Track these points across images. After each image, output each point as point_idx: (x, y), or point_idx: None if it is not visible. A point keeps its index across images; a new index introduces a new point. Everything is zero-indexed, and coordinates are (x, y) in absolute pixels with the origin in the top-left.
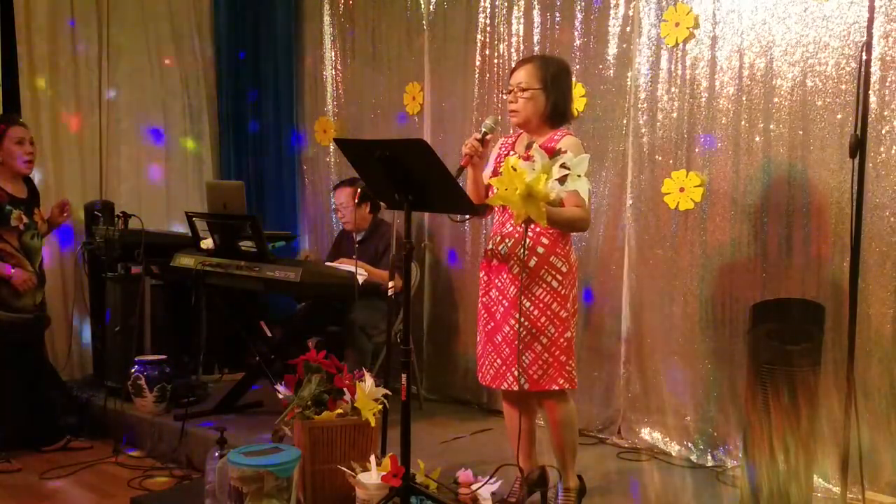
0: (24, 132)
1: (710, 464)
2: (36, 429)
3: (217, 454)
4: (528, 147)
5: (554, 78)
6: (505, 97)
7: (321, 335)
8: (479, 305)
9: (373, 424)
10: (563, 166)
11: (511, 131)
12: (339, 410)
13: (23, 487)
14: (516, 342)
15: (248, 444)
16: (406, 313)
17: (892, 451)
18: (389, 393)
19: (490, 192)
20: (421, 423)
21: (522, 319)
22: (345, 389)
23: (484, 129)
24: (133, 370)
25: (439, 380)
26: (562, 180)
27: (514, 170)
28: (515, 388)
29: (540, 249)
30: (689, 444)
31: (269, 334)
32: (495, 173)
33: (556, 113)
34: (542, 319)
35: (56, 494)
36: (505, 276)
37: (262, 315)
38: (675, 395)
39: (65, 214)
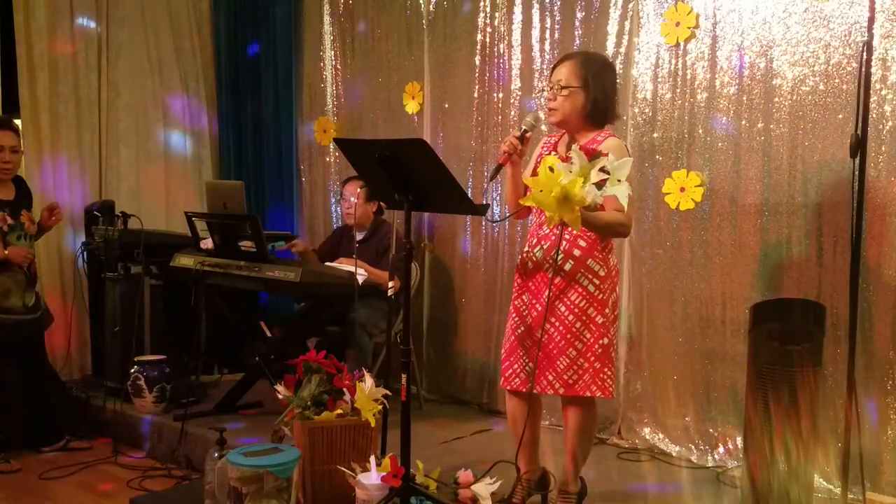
0: (5, 139)
1: (710, 464)
2: (36, 429)
3: (217, 454)
4: (570, 148)
5: (595, 76)
6: (545, 95)
7: (321, 335)
8: (511, 308)
9: (373, 425)
10: (602, 170)
11: (554, 130)
12: (339, 411)
13: (23, 487)
14: (550, 346)
15: (248, 444)
16: (406, 313)
17: (892, 452)
18: (389, 393)
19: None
20: (421, 424)
21: (557, 323)
22: (345, 390)
23: (524, 127)
24: (133, 370)
25: (439, 380)
26: (600, 184)
27: (552, 170)
28: (550, 392)
29: (576, 252)
30: (689, 444)
31: (269, 334)
32: (534, 174)
33: (597, 112)
34: (577, 324)
35: (56, 494)
36: (539, 280)
37: (261, 315)
38: (675, 395)
39: (54, 217)
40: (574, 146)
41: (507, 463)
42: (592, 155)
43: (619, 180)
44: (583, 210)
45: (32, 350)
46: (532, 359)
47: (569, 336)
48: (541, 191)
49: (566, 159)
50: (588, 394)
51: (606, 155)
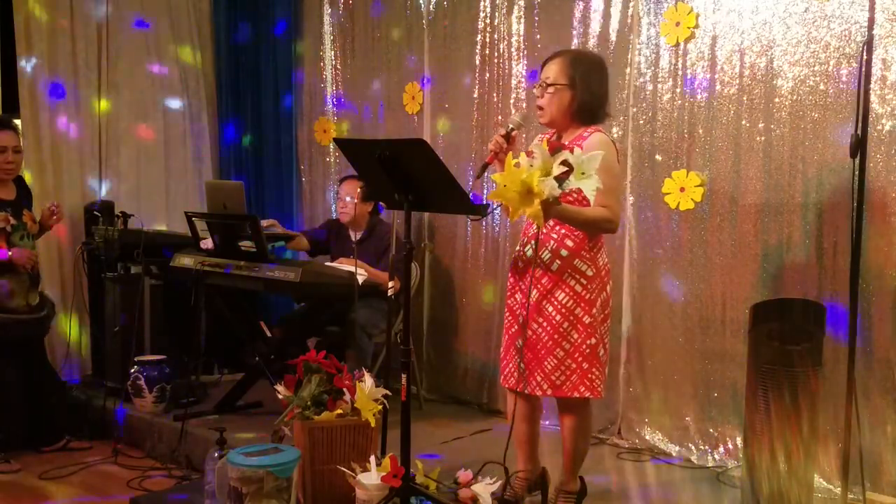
0: (7, 139)
1: (710, 464)
2: (36, 429)
3: (217, 454)
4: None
5: (583, 75)
6: (535, 92)
7: (321, 335)
8: (505, 308)
9: (373, 425)
10: (564, 163)
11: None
12: (339, 411)
13: (23, 487)
14: (538, 346)
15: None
16: (406, 313)
17: (892, 452)
18: (389, 393)
19: None
20: (421, 423)
21: (544, 323)
22: (345, 390)
23: (511, 126)
24: (133, 370)
25: (439, 380)
26: (561, 178)
27: (518, 166)
28: (539, 393)
29: (564, 252)
30: (689, 444)
31: (269, 334)
32: None
33: (584, 111)
34: (565, 324)
35: (56, 494)
36: (529, 279)
37: (261, 315)
38: (675, 395)
39: (55, 217)
40: (536, 141)
41: (495, 464)
42: (554, 148)
43: (583, 173)
44: (553, 205)
45: (33, 350)
46: (523, 358)
47: (556, 336)
48: (504, 185)
49: (530, 154)
50: (576, 394)
51: (572, 149)
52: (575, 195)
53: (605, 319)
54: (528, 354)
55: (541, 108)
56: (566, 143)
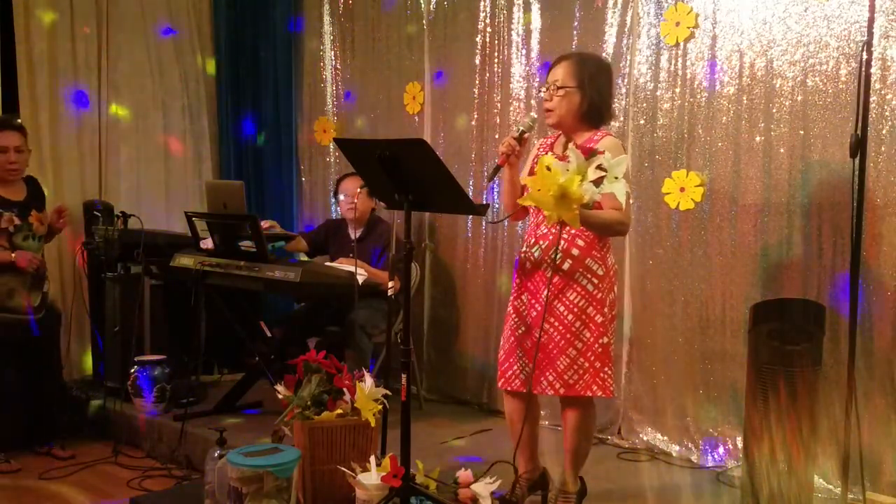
0: (9, 140)
1: (710, 464)
2: (36, 429)
3: (217, 454)
4: (566, 147)
5: (591, 77)
6: (541, 95)
7: (321, 335)
8: (510, 308)
9: (373, 424)
10: (599, 167)
11: (549, 132)
12: (339, 410)
13: (23, 487)
14: (550, 346)
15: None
16: (406, 313)
17: (892, 451)
18: (389, 393)
19: (525, 194)
20: (421, 424)
21: (556, 323)
22: (345, 389)
23: (522, 128)
24: (133, 370)
25: (439, 380)
26: (597, 182)
27: (549, 169)
28: (550, 392)
29: (575, 252)
30: (689, 444)
31: (269, 334)
32: (531, 174)
33: (592, 113)
34: (577, 324)
35: (56, 494)
36: (538, 280)
37: (261, 315)
38: (675, 395)
39: (62, 220)
40: (570, 145)
41: (505, 463)
42: (589, 153)
43: (615, 178)
44: (581, 208)
45: (34, 350)
46: (532, 359)
47: (568, 336)
48: (539, 190)
49: (563, 158)
50: (589, 393)
51: (603, 153)
52: None
53: (614, 319)
54: (539, 355)
55: (549, 111)
56: (576, 144)
